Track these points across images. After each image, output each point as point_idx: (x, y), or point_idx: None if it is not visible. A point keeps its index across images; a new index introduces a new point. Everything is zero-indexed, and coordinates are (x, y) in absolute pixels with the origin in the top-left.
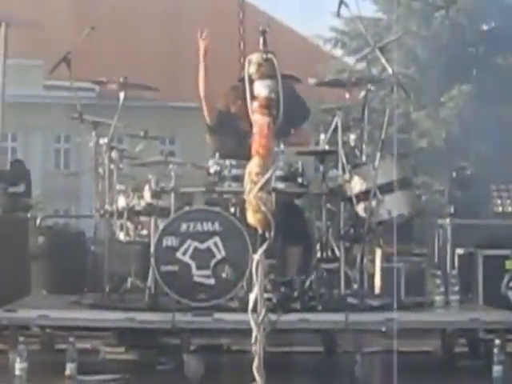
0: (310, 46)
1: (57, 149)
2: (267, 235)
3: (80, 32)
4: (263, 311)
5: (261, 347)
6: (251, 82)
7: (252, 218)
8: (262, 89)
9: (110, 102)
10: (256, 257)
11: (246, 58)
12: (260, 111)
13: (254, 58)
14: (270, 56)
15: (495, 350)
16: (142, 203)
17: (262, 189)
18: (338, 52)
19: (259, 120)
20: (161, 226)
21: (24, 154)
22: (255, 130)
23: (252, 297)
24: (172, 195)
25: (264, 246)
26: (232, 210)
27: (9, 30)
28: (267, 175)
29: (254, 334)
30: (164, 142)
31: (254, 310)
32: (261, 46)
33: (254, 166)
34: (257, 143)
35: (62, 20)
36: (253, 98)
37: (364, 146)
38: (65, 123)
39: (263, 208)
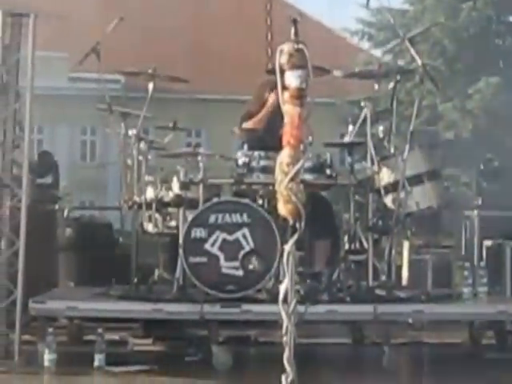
0: (336, 38)
1: (83, 141)
2: (297, 226)
3: (107, 24)
4: (294, 302)
5: (291, 338)
6: (282, 72)
7: (283, 209)
8: (293, 79)
9: (136, 93)
10: (287, 248)
11: (272, 49)
12: (291, 101)
13: (286, 48)
14: (301, 46)
15: None
16: (171, 194)
17: (292, 179)
18: (365, 44)
19: (290, 110)
20: (189, 218)
21: (50, 146)
22: (286, 120)
23: (282, 288)
24: (200, 186)
25: (295, 237)
26: (260, 201)
27: (36, 22)
28: (298, 166)
29: (284, 325)
30: (190, 134)
31: (285, 300)
32: (292, 36)
33: (285, 156)
34: (288, 134)
35: (88, 12)
36: (284, 88)
37: (392, 138)
38: (91, 115)
39: (294, 198)
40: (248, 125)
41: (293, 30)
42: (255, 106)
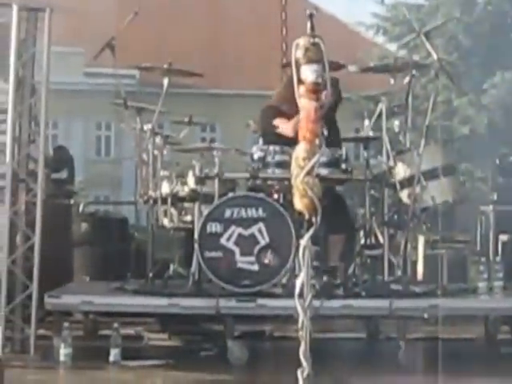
0: (351, 33)
1: (98, 136)
2: (313, 220)
3: (122, 19)
4: (309, 296)
5: (307, 332)
6: (298, 66)
7: (299, 203)
8: (309, 73)
9: (151, 88)
10: (303, 242)
11: (287, 44)
12: (307, 96)
13: (302, 42)
14: (317, 40)
15: None
16: (186, 189)
17: (308, 174)
18: (380, 39)
19: (306, 105)
20: (205, 212)
21: (65, 142)
22: (302, 114)
23: (298, 282)
24: (216, 181)
25: (311, 231)
26: (276, 196)
27: (52, 17)
28: (314, 160)
29: (300, 319)
30: (205, 129)
31: (301, 295)
32: (308, 31)
33: (301, 150)
34: (304, 128)
35: (104, 7)
36: (300, 82)
37: (408, 133)
38: (106, 110)
39: (310, 193)
40: (284, 130)
41: (309, 24)
42: (288, 105)
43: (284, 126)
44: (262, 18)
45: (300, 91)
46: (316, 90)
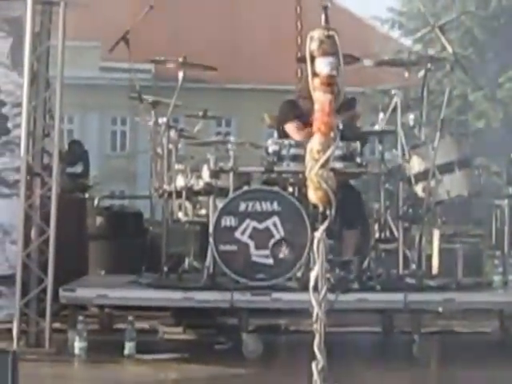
0: (365, 27)
1: (113, 131)
2: (328, 213)
3: (137, 13)
4: (324, 289)
5: (322, 325)
6: (313, 59)
7: (313, 196)
8: (323, 66)
9: (166, 83)
10: (317, 235)
11: (302, 37)
12: (322, 88)
13: (316, 34)
14: (331, 33)
15: None
16: (201, 183)
17: (323, 166)
18: (395, 33)
19: (321, 97)
20: (219, 206)
21: (80, 136)
22: (317, 107)
23: (313, 275)
24: (231, 175)
25: (325, 224)
26: (290, 189)
27: (66, 11)
28: (328, 153)
29: (314, 313)
30: (220, 123)
31: (315, 288)
32: (322, 23)
33: (315, 143)
34: (318, 121)
35: (118, 0)
36: (314, 75)
37: (423, 126)
38: (121, 105)
39: (324, 185)
40: (293, 135)
41: (323, 17)
42: (306, 100)
43: (295, 133)
44: (276, 12)
45: (315, 84)
46: (331, 82)
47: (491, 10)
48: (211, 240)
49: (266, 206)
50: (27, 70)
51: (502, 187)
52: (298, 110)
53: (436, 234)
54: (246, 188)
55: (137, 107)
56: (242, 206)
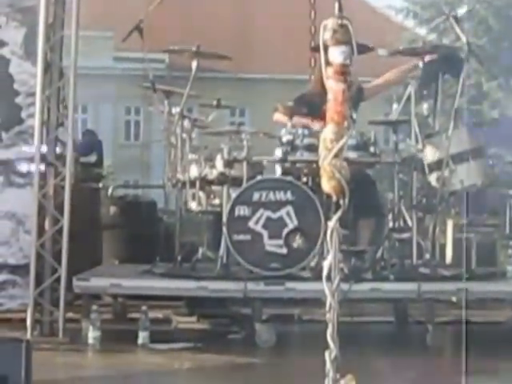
0: (379, 16)
1: (127, 121)
2: (341, 202)
3: (151, 2)
4: (337, 278)
5: (335, 315)
6: (326, 48)
7: (326, 185)
8: (336, 55)
9: (180, 73)
10: (330, 224)
11: (316, 27)
12: (335, 78)
13: (330, 23)
14: (345, 22)
15: None
16: (215, 172)
17: (336, 156)
18: (410, 22)
19: (334, 87)
20: (233, 196)
21: (94, 126)
22: (330, 96)
23: (326, 264)
24: (244, 164)
25: (338, 213)
26: (304, 179)
27: (80, 0)
28: (342, 142)
29: (328, 302)
30: (234, 113)
31: (329, 278)
32: (336, 12)
33: (328, 132)
34: (332, 110)
35: None
36: (327, 64)
37: (437, 116)
38: (135, 95)
39: (337, 175)
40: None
41: (337, 6)
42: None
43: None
44: (290, 1)
45: (328, 73)
46: (344, 71)
47: None
48: (225, 230)
49: (280, 196)
50: (41, 60)
51: None
52: (311, 105)
53: (450, 223)
54: (259, 178)
55: (150, 97)
56: (256, 196)
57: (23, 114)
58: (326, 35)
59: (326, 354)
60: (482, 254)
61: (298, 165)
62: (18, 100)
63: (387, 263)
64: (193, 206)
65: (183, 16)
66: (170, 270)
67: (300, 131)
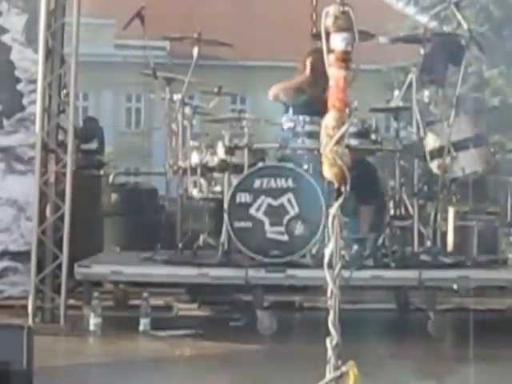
0: (381, 3)
1: (128, 108)
2: (342, 189)
3: None
4: (339, 265)
5: (336, 301)
6: (328, 35)
7: (328, 172)
8: (338, 42)
9: (181, 60)
10: (332, 211)
11: (317, 14)
12: (337, 64)
13: (331, 10)
14: (346, 8)
15: None
16: (216, 159)
17: (338, 143)
18: (411, 10)
19: (336, 73)
20: (234, 183)
21: (95, 113)
22: (332, 83)
23: (328, 251)
24: (245, 151)
25: (340, 200)
26: (305, 166)
27: None
28: (343, 129)
29: (329, 289)
30: (235, 100)
31: (330, 265)
32: None
33: (330, 119)
34: (333, 97)
35: None
36: (329, 51)
37: (438, 104)
38: (136, 82)
39: (339, 162)
40: (275, 89)
41: None
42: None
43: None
44: None
45: (329, 60)
46: (345, 58)
47: None
48: (226, 217)
49: (281, 183)
50: (42, 47)
51: None
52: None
53: (451, 211)
54: (260, 165)
55: (152, 84)
56: (257, 183)
57: (24, 101)
58: (327, 22)
59: (328, 340)
60: (483, 241)
61: (299, 152)
62: (20, 87)
63: (388, 250)
64: (194, 193)
65: (184, 3)
66: (172, 257)
67: (301, 118)
